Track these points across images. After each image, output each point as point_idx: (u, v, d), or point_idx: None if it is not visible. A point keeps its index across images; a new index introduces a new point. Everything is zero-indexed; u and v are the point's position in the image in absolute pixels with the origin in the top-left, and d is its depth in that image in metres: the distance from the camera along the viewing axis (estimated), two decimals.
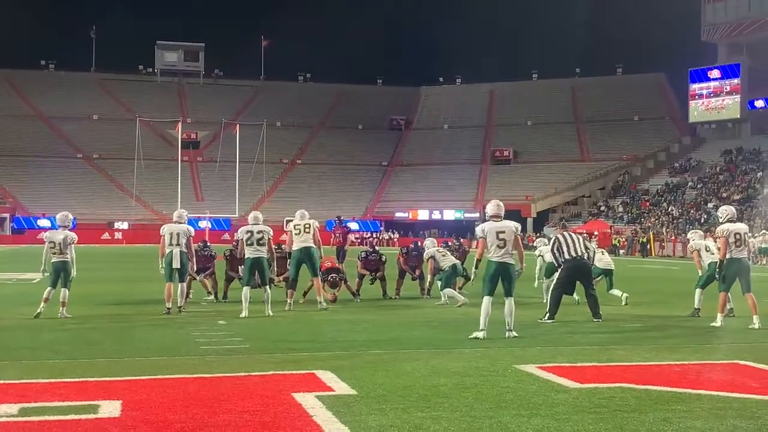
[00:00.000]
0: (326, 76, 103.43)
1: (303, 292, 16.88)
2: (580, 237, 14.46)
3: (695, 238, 16.02)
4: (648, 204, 67.20)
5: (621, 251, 54.53)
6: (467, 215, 78.59)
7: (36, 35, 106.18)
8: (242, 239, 14.66)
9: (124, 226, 73.18)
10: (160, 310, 14.43)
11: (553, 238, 14.47)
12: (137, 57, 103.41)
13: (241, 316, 13.96)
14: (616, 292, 16.68)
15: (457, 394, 7.43)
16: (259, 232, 14.54)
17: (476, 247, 11.96)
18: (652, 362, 9.47)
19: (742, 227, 13.46)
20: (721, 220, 13.62)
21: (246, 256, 14.61)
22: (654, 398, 7.27)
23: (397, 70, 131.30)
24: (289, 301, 15.31)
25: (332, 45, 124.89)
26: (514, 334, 11.33)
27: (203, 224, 64.40)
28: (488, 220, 11.74)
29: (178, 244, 14.55)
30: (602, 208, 70.93)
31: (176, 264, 14.46)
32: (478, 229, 11.66)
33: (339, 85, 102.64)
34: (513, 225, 11.67)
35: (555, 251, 14.01)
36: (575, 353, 10.01)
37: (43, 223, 69.89)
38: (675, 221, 60.35)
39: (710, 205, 60.52)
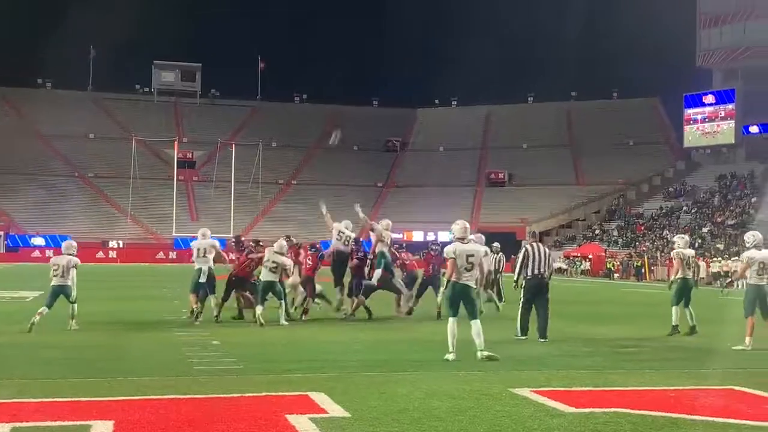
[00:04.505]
0: (322, 97, 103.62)
1: (303, 309, 17.05)
2: (548, 251, 14.55)
3: (681, 244, 15.87)
4: (643, 228, 67.25)
5: (615, 275, 54.54)
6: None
7: (33, 54, 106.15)
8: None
9: (119, 245, 73.00)
10: (155, 328, 14.58)
11: (523, 249, 14.50)
12: (134, 76, 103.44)
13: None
14: None
15: (452, 417, 7.39)
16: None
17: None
18: (648, 387, 9.44)
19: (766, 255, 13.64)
20: (747, 246, 13.83)
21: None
22: (649, 424, 7.25)
23: (393, 91, 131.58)
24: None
25: (328, 66, 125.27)
26: (486, 354, 11.24)
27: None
28: (454, 241, 11.75)
29: (204, 257, 16.15)
30: (597, 232, 70.97)
31: (202, 278, 15.99)
32: (449, 250, 11.62)
33: (335, 106, 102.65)
34: (482, 249, 11.84)
35: (521, 264, 14.32)
36: (570, 377, 9.98)
37: (37, 241, 69.78)
38: (670, 245, 60.31)
39: (705, 230, 60.59)
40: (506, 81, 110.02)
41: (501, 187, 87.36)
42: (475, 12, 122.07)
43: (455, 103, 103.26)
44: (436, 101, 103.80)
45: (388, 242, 17.89)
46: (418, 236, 79.99)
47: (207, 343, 12.90)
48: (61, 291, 14.54)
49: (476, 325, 11.39)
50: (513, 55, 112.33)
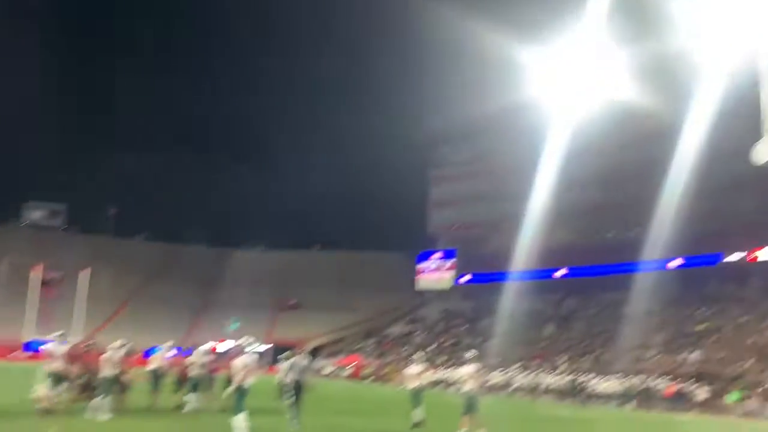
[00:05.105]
0: (160, 236, 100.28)
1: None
2: (305, 363, 15.17)
3: (416, 366, 16.33)
4: (390, 344, 68.65)
5: (370, 379, 54.92)
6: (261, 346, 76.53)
7: None
8: None
9: None
10: (5, 416, 13.29)
11: (289, 361, 15.13)
12: (7, 212, 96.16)
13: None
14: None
15: None
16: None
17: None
18: None
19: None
20: (469, 360, 14.50)
21: None
22: None
23: (216, 234, 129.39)
24: None
25: (165, 210, 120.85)
26: None
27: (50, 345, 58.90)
28: (241, 354, 11.83)
29: (52, 362, 15.14)
30: (358, 346, 71.62)
31: (50, 378, 14.99)
32: (238, 362, 11.67)
33: (171, 244, 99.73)
34: (256, 358, 12.02)
35: (286, 372, 14.99)
36: None
37: None
38: (408, 358, 61.74)
39: (432, 347, 62.69)
40: (300, 232, 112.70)
41: (292, 310, 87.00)
42: (277, 177, 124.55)
43: (262, 247, 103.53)
44: (246, 244, 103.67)
45: (203, 362, 17.41)
46: (228, 345, 77.25)
47: (47, 430, 11.84)
48: None
49: (246, 415, 11.20)
50: (304, 213, 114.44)
